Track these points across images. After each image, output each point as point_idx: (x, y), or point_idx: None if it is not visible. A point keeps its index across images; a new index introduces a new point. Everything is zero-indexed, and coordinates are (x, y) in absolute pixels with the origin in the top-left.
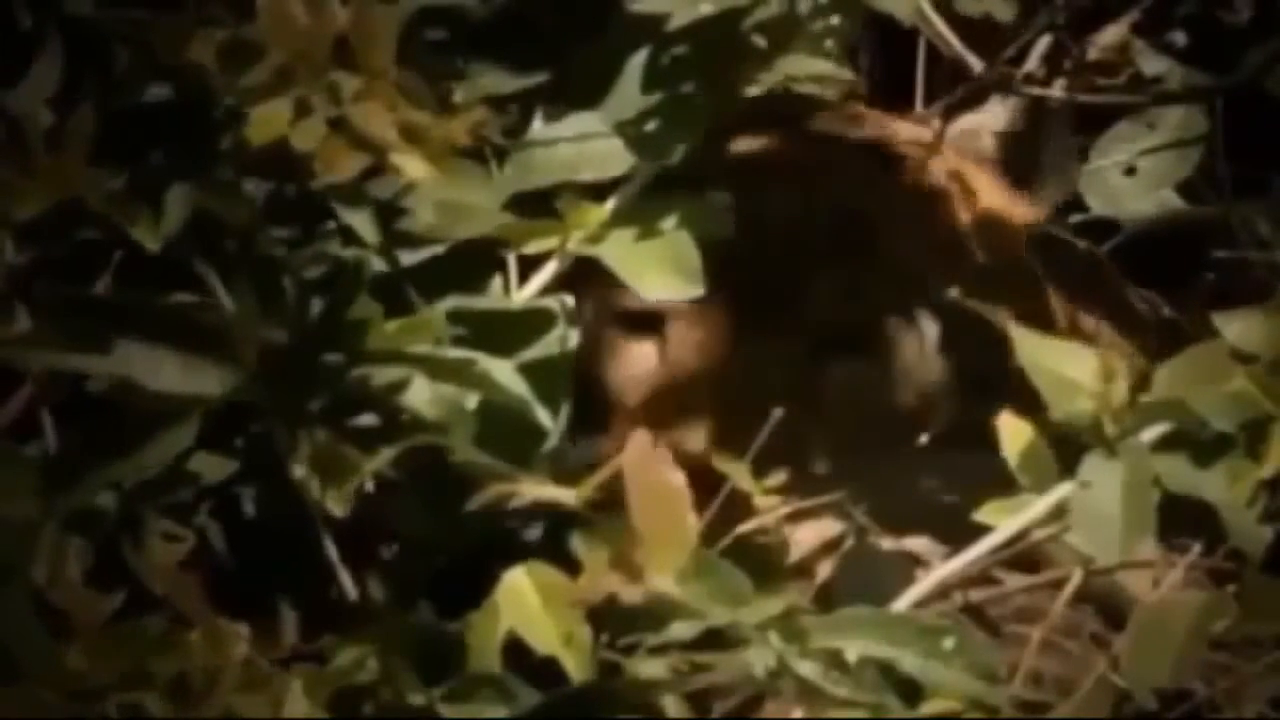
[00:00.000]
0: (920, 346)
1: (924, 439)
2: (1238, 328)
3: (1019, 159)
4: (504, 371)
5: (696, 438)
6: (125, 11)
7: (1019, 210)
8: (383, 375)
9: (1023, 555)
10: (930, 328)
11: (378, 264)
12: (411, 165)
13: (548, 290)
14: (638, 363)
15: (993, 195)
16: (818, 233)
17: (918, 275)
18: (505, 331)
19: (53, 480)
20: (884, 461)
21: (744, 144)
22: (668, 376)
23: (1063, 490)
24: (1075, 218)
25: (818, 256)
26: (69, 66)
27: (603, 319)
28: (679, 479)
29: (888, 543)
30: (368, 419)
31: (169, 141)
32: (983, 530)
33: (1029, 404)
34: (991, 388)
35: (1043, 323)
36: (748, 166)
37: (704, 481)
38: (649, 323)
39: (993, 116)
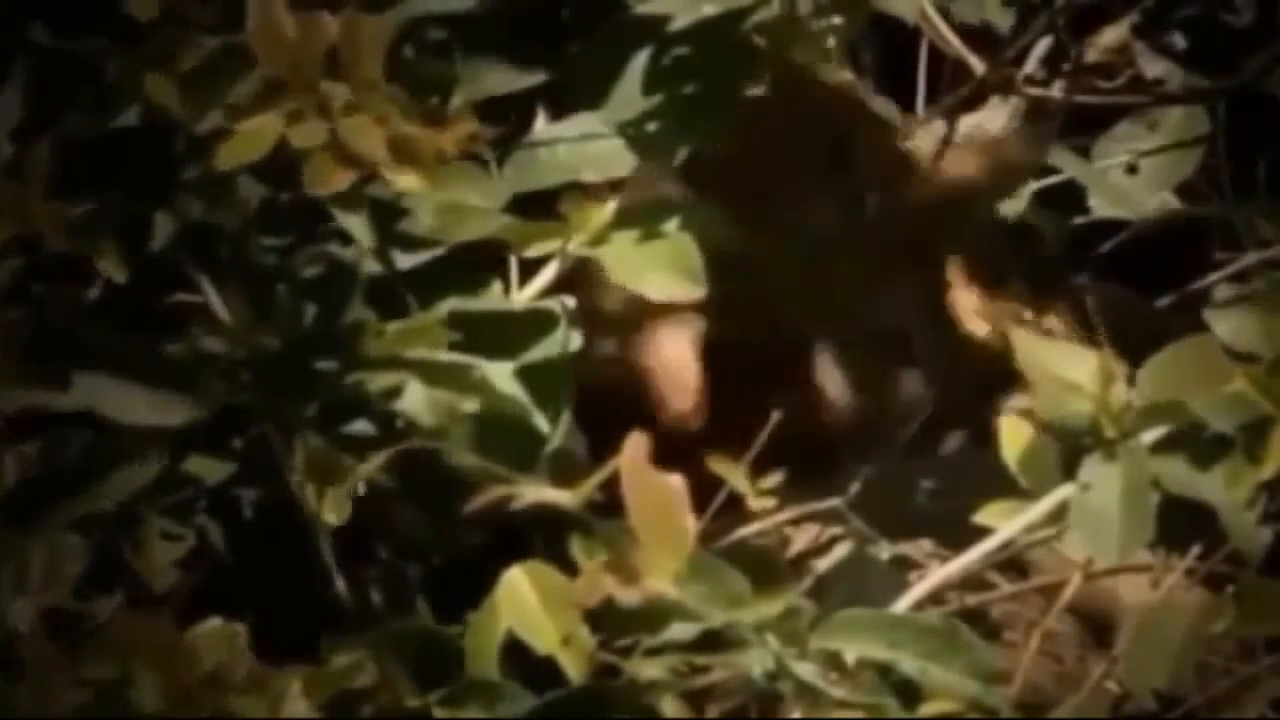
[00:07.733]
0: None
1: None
2: (1230, 325)
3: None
4: (502, 376)
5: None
6: (88, 41)
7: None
8: (377, 381)
9: (1017, 560)
10: None
11: (376, 267)
12: (402, 179)
13: (549, 291)
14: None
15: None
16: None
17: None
18: (506, 334)
19: (12, 517)
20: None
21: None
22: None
23: (1063, 492)
24: (1077, 219)
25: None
26: (32, 96)
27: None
28: (677, 480)
29: (886, 547)
30: (363, 425)
31: (131, 171)
32: (982, 533)
33: None
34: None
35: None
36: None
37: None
38: None
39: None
